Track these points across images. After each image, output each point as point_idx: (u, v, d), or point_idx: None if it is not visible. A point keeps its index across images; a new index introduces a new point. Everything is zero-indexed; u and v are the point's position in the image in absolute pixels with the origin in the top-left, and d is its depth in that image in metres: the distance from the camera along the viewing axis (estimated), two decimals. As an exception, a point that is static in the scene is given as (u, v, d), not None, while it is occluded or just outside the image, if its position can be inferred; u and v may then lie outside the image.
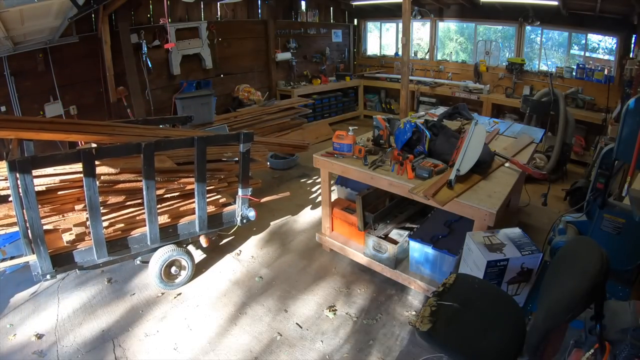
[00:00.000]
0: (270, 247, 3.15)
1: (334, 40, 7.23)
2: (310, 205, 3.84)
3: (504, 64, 5.79)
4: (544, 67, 5.55)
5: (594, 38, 5.21)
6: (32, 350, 2.12)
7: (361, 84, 7.05)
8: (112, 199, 2.35)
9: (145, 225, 2.38)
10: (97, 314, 2.40)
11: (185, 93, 4.88)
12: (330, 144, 2.73)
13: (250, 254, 3.06)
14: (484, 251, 1.76)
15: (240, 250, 3.10)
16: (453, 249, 2.33)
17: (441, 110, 3.99)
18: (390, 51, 7.38)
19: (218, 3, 5.38)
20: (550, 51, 5.70)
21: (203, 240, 2.75)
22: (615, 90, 4.57)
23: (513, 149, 2.80)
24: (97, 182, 2.13)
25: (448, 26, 6.64)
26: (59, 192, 2.25)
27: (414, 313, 2.41)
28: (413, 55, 6.71)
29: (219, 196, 2.80)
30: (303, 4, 6.68)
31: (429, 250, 2.41)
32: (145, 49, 4.58)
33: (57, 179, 2.21)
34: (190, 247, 2.98)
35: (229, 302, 2.52)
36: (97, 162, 2.10)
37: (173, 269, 2.61)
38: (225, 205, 2.83)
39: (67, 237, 2.20)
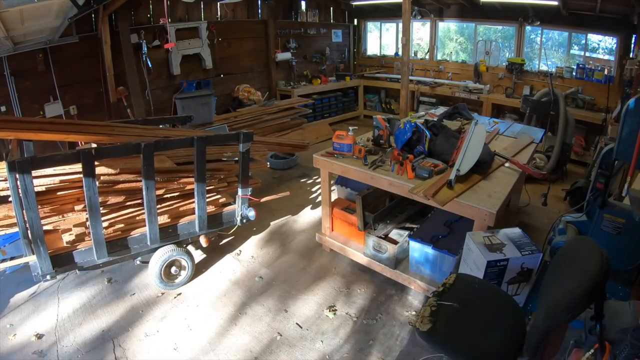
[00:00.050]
0: (270, 247, 3.15)
1: (334, 40, 7.22)
2: (310, 205, 3.84)
3: (504, 64, 5.79)
4: (544, 67, 5.54)
5: (594, 38, 5.21)
6: (32, 350, 2.12)
7: (361, 84, 7.05)
8: (112, 199, 2.35)
9: (145, 226, 2.38)
10: (97, 314, 2.40)
11: (185, 93, 4.88)
12: (330, 144, 2.73)
13: (250, 254, 3.06)
14: (484, 251, 1.76)
15: (240, 250, 3.10)
16: (453, 249, 2.33)
17: (441, 110, 3.99)
18: (390, 51, 7.38)
19: (218, 3, 5.38)
20: (550, 51, 5.70)
21: (203, 240, 2.75)
22: (615, 90, 4.57)
23: (513, 149, 2.80)
24: (97, 183, 2.13)
25: (448, 26, 6.63)
26: (59, 193, 2.24)
27: (414, 313, 2.41)
28: (413, 55, 6.71)
29: (218, 196, 2.81)
30: (303, 4, 6.68)
31: (429, 250, 2.41)
32: (145, 49, 4.57)
33: (56, 179, 2.21)
34: (190, 247, 2.98)
35: (229, 302, 2.52)
36: (96, 163, 2.10)
37: (173, 269, 2.61)
38: (225, 205, 2.83)
39: (67, 238, 2.20)
